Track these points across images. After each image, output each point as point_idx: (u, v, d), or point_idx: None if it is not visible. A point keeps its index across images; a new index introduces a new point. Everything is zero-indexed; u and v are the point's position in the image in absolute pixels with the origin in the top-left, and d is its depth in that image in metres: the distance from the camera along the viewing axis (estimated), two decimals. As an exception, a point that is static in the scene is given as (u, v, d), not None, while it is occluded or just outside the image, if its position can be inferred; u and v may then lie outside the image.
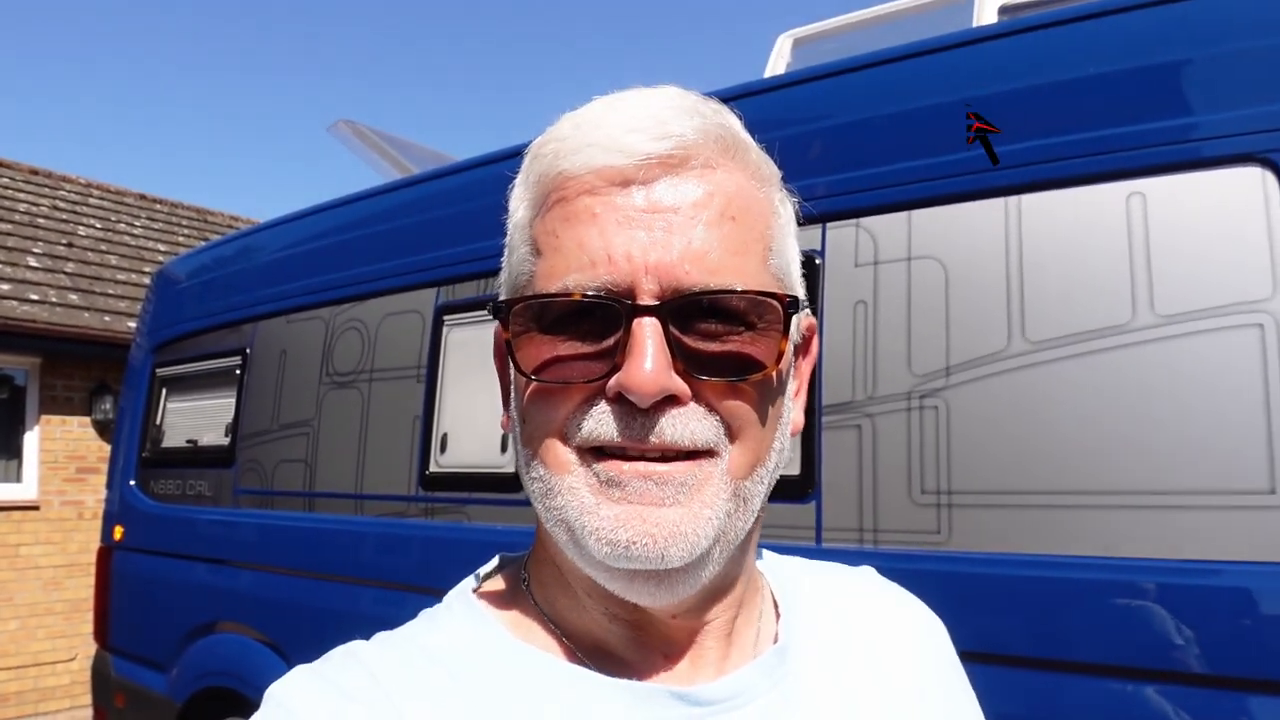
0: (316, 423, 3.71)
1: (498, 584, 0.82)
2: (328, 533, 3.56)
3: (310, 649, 2.98)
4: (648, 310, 0.65)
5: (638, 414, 0.66)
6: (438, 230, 3.43)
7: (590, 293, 0.66)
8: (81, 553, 8.48)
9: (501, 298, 0.75)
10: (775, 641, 0.80)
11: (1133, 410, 2.01)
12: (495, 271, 2.89)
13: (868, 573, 0.95)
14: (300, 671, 0.72)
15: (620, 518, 0.66)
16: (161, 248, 10.66)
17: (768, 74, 3.75)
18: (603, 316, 0.67)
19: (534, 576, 0.79)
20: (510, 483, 2.96)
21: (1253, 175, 1.98)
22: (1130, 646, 1.95)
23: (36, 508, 8.56)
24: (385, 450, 3.41)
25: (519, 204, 0.75)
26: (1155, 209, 2.05)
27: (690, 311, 0.67)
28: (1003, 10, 2.71)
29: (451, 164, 3.68)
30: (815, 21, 4.02)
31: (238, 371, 4.19)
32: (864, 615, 0.88)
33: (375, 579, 3.36)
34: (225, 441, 4.21)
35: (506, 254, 0.77)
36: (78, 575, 8.49)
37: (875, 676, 0.82)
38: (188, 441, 4.50)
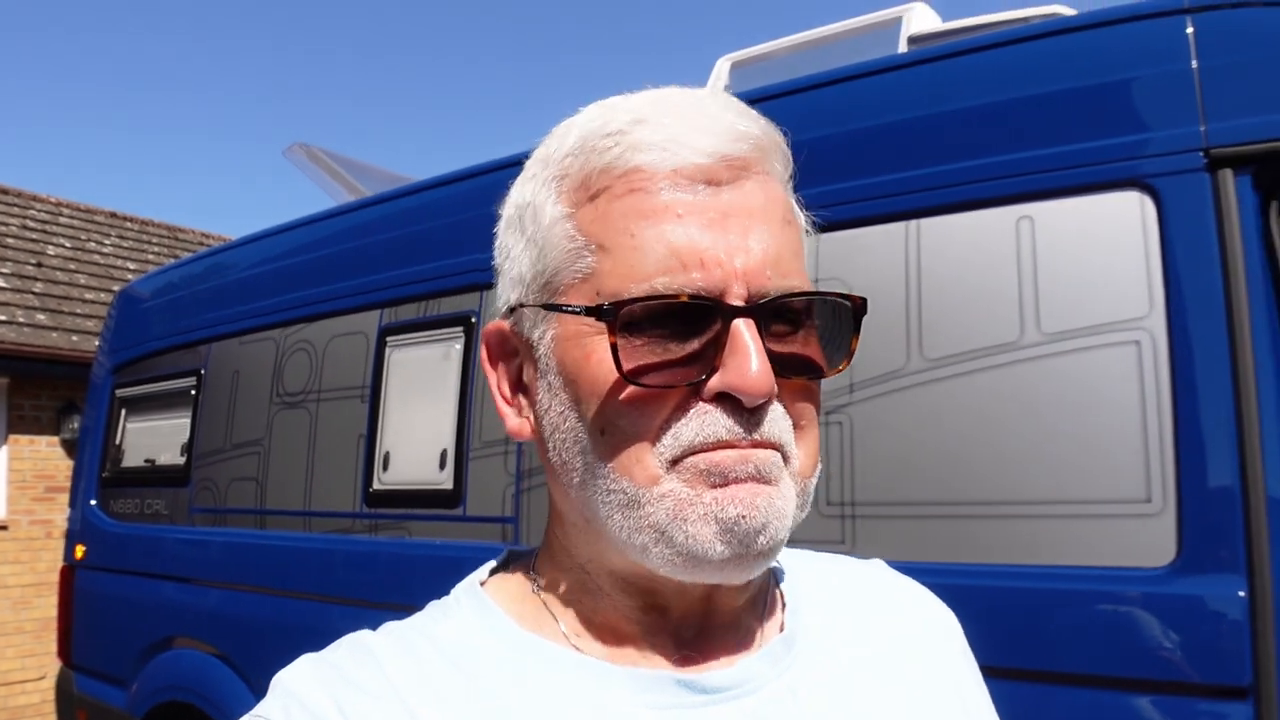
0: (267, 442, 3.78)
1: (505, 579, 0.81)
2: (277, 549, 3.64)
3: (262, 662, 3.06)
4: (745, 311, 0.65)
5: (744, 413, 0.66)
6: (381, 253, 3.51)
7: (695, 294, 0.65)
8: (50, 571, 8.47)
9: (530, 298, 0.73)
10: (781, 631, 0.80)
11: (1022, 424, 2.11)
12: (436, 293, 2.94)
13: (878, 565, 0.95)
14: (307, 660, 0.72)
15: (729, 496, 0.65)
16: (131, 266, 10.68)
17: (706, 96, 3.84)
18: (694, 319, 0.66)
19: (545, 574, 0.79)
20: (448, 499, 3.06)
21: (1131, 199, 2.09)
22: (1019, 650, 2.04)
23: (5, 527, 8.58)
24: (332, 468, 3.49)
25: (545, 197, 0.73)
26: (1042, 232, 2.16)
27: (775, 313, 0.68)
28: (911, 40, 2.82)
29: (393, 189, 3.77)
30: (755, 45, 4.11)
31: (193, 392, 4.26)
32: (872, 606, 0.87)
33: (323, 594, 3.43)
34: (181, 461, 4.28)
35: (525, 250, 0.74)
36: (46, 594, 8.49)
37: (882, 667, 0.81)
38: (146, 461, 4.57)
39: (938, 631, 0.89)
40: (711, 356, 0.65)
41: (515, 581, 0.80)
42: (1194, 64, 2.06)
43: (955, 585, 2.09)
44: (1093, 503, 2.02)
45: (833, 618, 0.83)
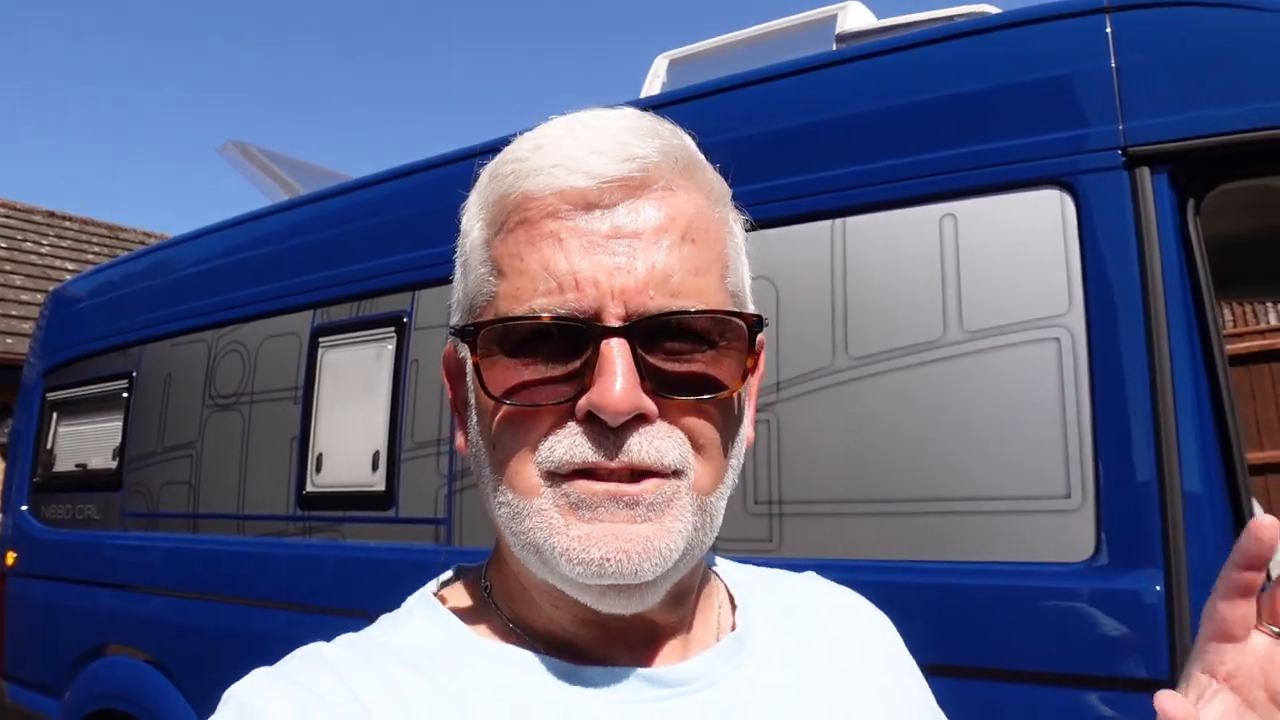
0: (200, 445, 3.72)
1: (457, 590, 0.82)
2: (210, 554, 3.57)
3: (197, 668, 2.99)
4: (616, 332, 0.66)
5: (609, 433, 0.67)
6: (313, 253, 3.47)
7: (558, 315, 0.67)
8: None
9: (457, 320, 0.75)
10: (733, 629, 0.82)
11: (945, 421, 2.12)
12: (369, 293, 2.91)
13: (812, 575, 0.98)
14: (261, 673, 0.71)
15: (591, 536, 0.66)
16: (70, 266, 10.49)
17: (644, 94, 3.84)
18: (570, 339, 0.68)
19: (496, 584, 0.80)
20: (381, 500, 3.02)
21: (1052, 197, 2.11)
22: (940, 645, 2.05)
23: (-60, 534, 8.37)
24: (265, 471, 3.44)
25: (474, 223, 0.75)
26: (965, 230, 2.17)
27: (656, 332, 0.68)
28: (840, 38, 2.83)
29: (325, 189, 3.71)
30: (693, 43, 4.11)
31: (125, 395, 4.18)
32: (814, 609, 0.91)
33: (257, 598, 3.38)
34: (113, 465, 4.19)
35: (460, 274, 0.77)
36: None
37: (829, 663, 0.84)
38: (77, 465, 4.47)
39: (878, 634, 0.94)
40: (584, 376, 0.67)
41: (466, 591, 0.82)
42: (1113, 62, 2.08)
43: (879, 582, 2.09)
44: (1013, 499, 2.03)
45: (779, 618, 0.86)
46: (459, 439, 0.79)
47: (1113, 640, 1.90)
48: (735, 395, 0.74)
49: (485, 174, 0.75)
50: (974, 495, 2.07)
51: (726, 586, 0.89)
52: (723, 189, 0.78)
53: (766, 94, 2.53)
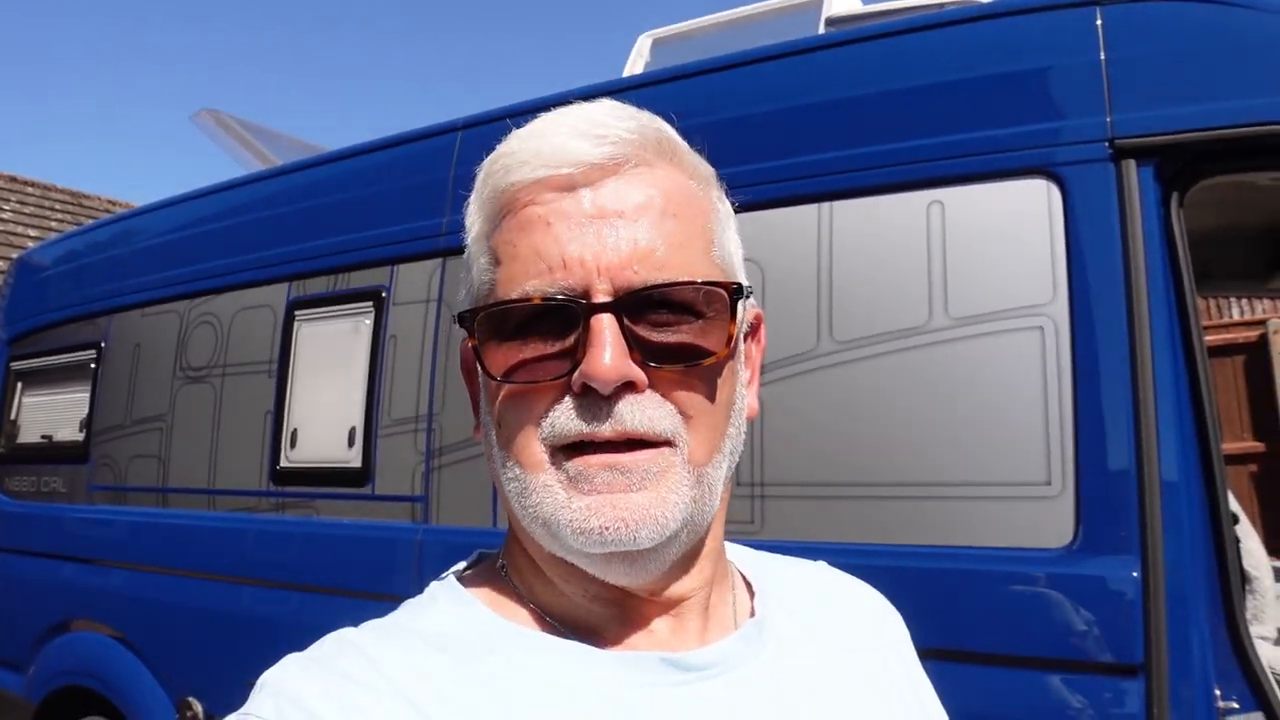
0: (170, 417, 3.67)
1: (478, 575, 0.84)
2: (179, 528, 3.53)
3: (163, 644, 2.95)
4: (604, 307, 0.70)
5: (601, 403, 0.70)
6: (290, 225, 3.42)
7: (548, 295, 0.71)
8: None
9: (464, 309, 0.79)
10: (752, 616, 0.84)
11: (928, 406, 2.14)
12: (346, 266, 2.88)
13: (823, 565, 1.01)
14: (293, 659, 0.72)
15: (592, 507, 0.69)
16: (32, 233, 10.30)
17: (626, 73, 3.82)
18: (562, 318, 0.71)
19: (511, 565, 0.82)
20: (356, 477, 2.99)
21: (1039, 187, 2.12)
22: (921, 628, 2.07)
23: (-105, 504, 8.21)
24: (238, 445, 3.40)
25: (475, 219, 0.79)
26: (952, 217, 2.18)
27: (642, 305, 0.71)
28: (829, 22, 2.83)
29: (304, 159, 3.67)
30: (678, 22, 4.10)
31: (93, 365, 4.11)
32: (828, 597, 0.93)
33: (227, 574, 3.35)
34: (80, 437, 4.13)
35: (466, 267, 0.81)
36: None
37: (844, 651, 0.86)
38: (43, 437, 4.40)
39: (889, 623, 0.97)
40: (577, 351, 0.70)
41: (486, 575, 0.83)
42: (1102, 55, 2.10)
43: (861, 565, 2.10)
44: (994, 484, 2.05)
45: (796, 606, 0.88)
46: (476, 426, 0.83)
47: (1089, 625, 1.93)
48: (727, 365, 0.76)
49: (480, 172, 0.78)
50: (955, 480, 2.09)
51: (741, 573, 0.91)
52: (706, 169, 0.82)
53: (753, 76, 2.52)
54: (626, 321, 0.70)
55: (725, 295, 0.74)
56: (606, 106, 0.76)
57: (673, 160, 0.78)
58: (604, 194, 0.72)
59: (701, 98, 2.60)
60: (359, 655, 0.71)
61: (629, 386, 0.70)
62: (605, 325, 0.69)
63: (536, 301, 0.71)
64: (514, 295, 0.72)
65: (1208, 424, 1.98)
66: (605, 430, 0.70)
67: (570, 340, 0.71)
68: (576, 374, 0.70)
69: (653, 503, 0.70)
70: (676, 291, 0.72)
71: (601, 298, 0.70)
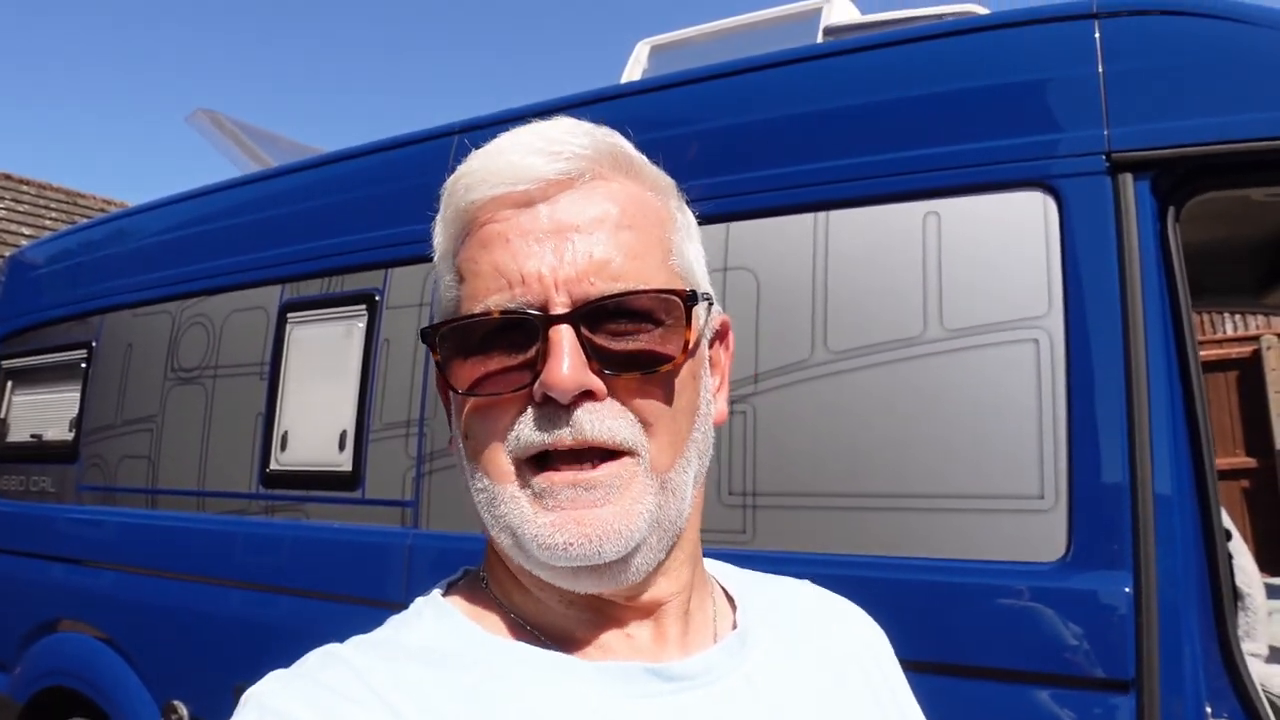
0: (160, 419, 3.65)
1: (461, 588, 0.85)
2: (169, 530, 3.51)
3: (151, 646, 2.92)
4: (561, 319, 0.71)
5: (562, 412, 0.71)
6: (284, 227, 3.41)
7: (508, 310, 0.72)
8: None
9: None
10: (734, 628, 0.85)
11: (922, 418, 2.13)
12: (339, 269, 2.87)
13: (806, 583, 1.01)
14: (278, 674, 0.72)
15: (555, 523, 0.71)
16: (27, 231, 10.28)
17: (624, 79, 3.82)
18: (523, 331, 0.72)
19: (491, 577, 0.83)
20: (347, 481, 2.98)
21: (1035, 199, 2.12)
22: (913, 642, 2.05)
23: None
24: (228, 448, 3.38)
25: (440, 238, 0.81)
26: (948, 228, 2.18)
27: (600, 315, 0.72)
28: (827, 32, 2.83)
29: (298, 161, 3.65)
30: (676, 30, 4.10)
31: (83, 365, 4.09)
32: (811, 613, 0.94)
33: (216, 577, 3.33)
34: (69, 437, 4.11)
35: (434, 285, 0.83)
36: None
37: (826, 665, 0.87)
38: (32, 436, 4.38)
39: (872, 640, 0.97)
40: (538, 363, 0.72)
41: (469, 589, 0.84)
42: (1100, 68, 2.10)
43: (853, 577, 2.11)
44: (987, 497, 2.04)
45: (778, 620, 0.89)
46: (450, 439, 0.83)
47: (1081, 640, 1.91)
48: (686, 370, 0.77)
49: (444, 191, 0.80)
50: (948, 493, 2.08)
51: (723, 586, 0.92)
52: (665, 180, 0.84)
53: (751, 84, 2.51)
54: (585, 332, 0.72)
55: (679, 302, 0.75)
56: (563, 124, 0.78)
57: (628, 173, 0.79)
58: (560, 209, 0.74)
59: (699, 105, 2.60)
60: (344, 669, 0.71)
61: (588, 395, 0.72)
62: (564, 336, 0.71)
63: (496, 316, 0.73)
64: (476, 311, 0.74)
65: (1201, 439, 1.97)
66: (566, 438, 0.71)
67: (531, 353, 0.72)
68: (537, 384, 0.71)
69: (616, 516, 0.71)
70: (633, 300, 0.73)
71: (559, 310, 0.72)
